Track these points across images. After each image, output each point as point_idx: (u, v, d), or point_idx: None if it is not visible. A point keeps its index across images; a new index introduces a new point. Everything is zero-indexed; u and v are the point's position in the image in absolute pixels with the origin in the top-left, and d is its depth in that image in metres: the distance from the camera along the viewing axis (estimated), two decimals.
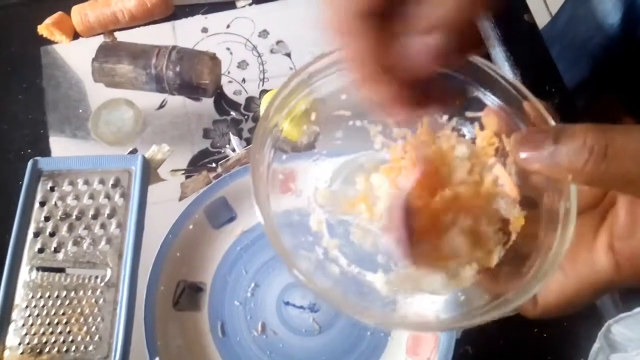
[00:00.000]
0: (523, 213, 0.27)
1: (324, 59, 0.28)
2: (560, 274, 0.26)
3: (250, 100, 0.61)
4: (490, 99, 0.28)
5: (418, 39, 0.24)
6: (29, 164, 0.54)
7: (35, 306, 0.49)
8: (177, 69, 0.57)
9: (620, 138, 0.22)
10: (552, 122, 0.26)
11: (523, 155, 0.24)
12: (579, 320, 0.48)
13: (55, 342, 0.48)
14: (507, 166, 0.28)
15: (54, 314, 0.49)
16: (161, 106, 0.61)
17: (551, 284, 0.25)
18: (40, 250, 0.51)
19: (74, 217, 0.52)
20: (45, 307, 0.49)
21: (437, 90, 0.27)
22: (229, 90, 0.62)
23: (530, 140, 0.24)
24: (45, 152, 0.59)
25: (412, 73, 0.25)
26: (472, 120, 0.29)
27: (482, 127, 0.28)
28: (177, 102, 0.61)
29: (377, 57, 0.24)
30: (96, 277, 0.50)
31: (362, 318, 0.26)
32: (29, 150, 0.59)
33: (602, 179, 0.22)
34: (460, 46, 0.24)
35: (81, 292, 0.50)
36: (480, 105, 0.28)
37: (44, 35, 0.64)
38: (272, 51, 0.64)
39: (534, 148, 0.23)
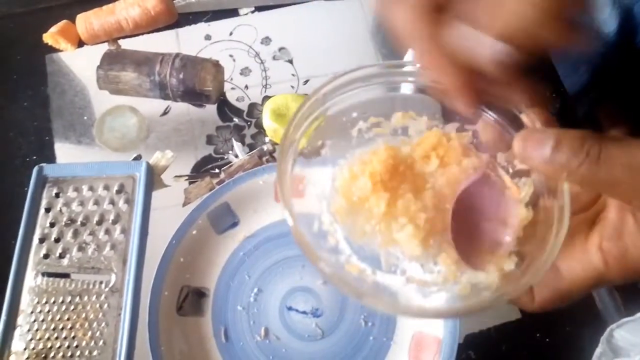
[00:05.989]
0: (531, 212, 0.29)
1: (338, 80, 0.30)
2: (555, 271, 0.28)
3: (252, 106, 0.62)
4: (486, 113, 0.30)
5: (488, 41, 0.26)
6: (34, 170, 0.55)
7: (40, 311, 0.50)
8: (181, 76, 0.57)
9: (613, 146, 0.24)
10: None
11: (526, 152, 0.26)
12: (581, 325, 0.48)
13: (60, 347, 0.49)
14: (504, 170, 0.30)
15: (59, 319, 0.49)
16: (165, 113, 0.61)
17: (546, 280, 0.28)
18: (46, 256, 0.52)
19: (78, 223, 0.53)
20: (50, 312, 0.50)
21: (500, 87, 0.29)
22: (231, 96, 0.62)
23: (533, 139, 0.25)
24: (51, 158, 0.59)
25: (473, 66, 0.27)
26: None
27: (478, 137, 0.31)
28: (181, 108, 0.62)
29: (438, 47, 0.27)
30: (101, 283, 0.51)
31: (370, 303, 0.27)
32: (35, 157, 0.60)
33: (594, 181, 0.25)
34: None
35: (86, 298, 0.50)
36: (475, 118, 0.31)
37: (49, 44, 0.64)
38: (274, 58, 0.64)
39: (536, 146, 0.25)
